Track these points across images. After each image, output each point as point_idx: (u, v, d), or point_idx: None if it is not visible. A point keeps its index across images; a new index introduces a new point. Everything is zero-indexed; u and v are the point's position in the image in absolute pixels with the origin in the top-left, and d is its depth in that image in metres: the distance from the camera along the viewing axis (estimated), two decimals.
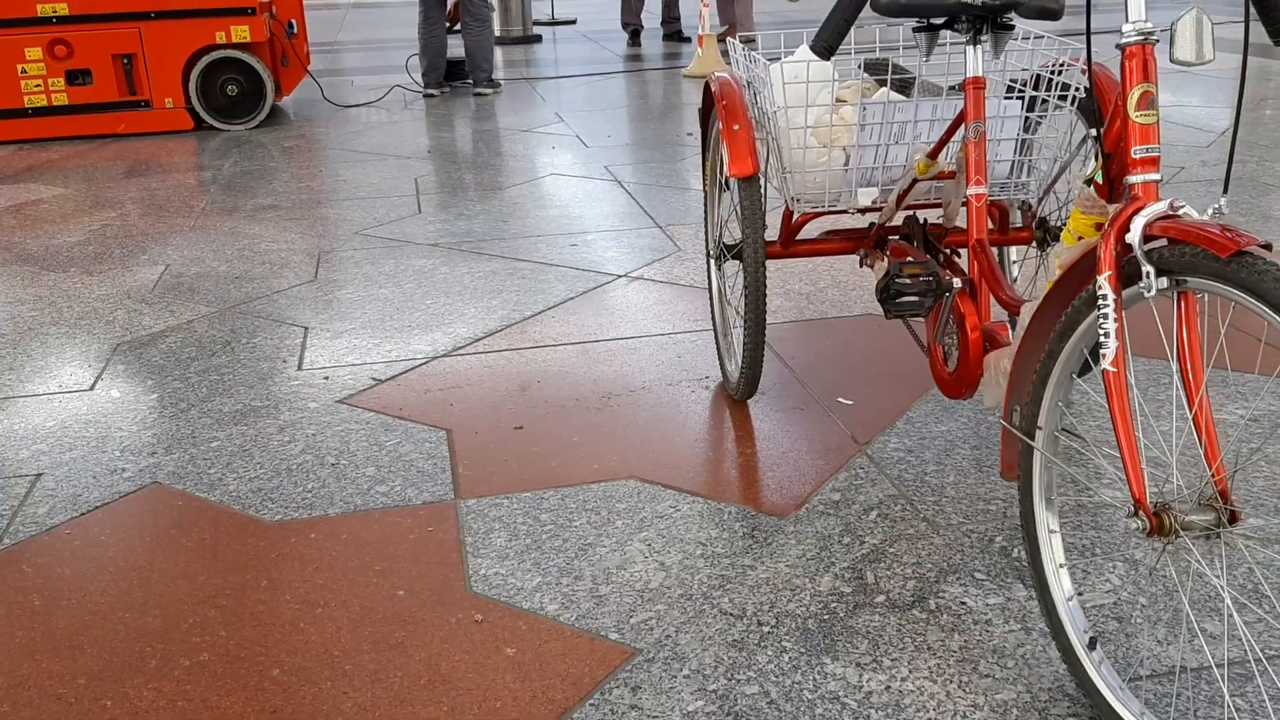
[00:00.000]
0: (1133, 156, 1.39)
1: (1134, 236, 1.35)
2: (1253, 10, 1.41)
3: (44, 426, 2.48)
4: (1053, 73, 2.24)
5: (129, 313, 3.20)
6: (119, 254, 3.77)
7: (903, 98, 2.28)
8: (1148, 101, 1.39)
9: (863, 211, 2.31)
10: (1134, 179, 1.39)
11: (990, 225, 2.44)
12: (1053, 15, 1.97)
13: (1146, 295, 1.35)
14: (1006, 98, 2.30)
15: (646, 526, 2.01)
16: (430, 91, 6.75)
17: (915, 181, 2.15)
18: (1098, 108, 2.11)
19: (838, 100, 2.37)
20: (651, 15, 9.26)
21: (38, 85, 5.61)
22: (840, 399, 2.50)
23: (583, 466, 2.24)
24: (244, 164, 5.12)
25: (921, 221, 2.32)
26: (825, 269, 3.35)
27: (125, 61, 5.70)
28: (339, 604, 1.82)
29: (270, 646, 1.72)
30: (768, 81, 2.27)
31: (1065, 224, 1.62)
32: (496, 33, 9.14)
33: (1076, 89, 2.20)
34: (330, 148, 5.42)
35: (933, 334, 2.06)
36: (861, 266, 2.40)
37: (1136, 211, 1.36)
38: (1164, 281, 1.34)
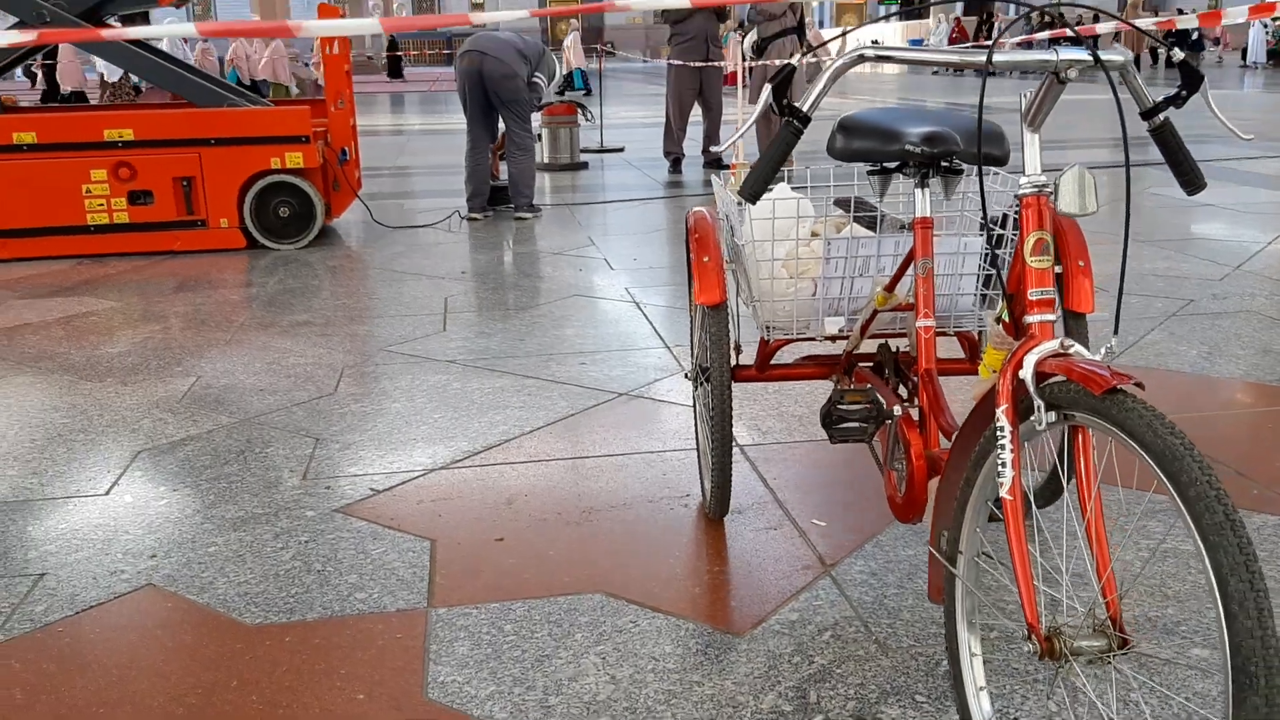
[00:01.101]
0: (1029, 299, 1.49)
1: (1026, 373, 1.44)
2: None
3: (55, 529, 2.63)
4: (1017, 212, 2.35)
5: (154, 421, 3.37)
6: (155, 365, 3.98)
7: (868, 232, 2.40)
8: (1041, 248, 1.50)
9: (831, 339, 2.42)
10: (1030, 319, 1.49)
11: (962, 354, 2.53)
12: (995, 162, 2.09)
13: (1038, 428, 1.43)
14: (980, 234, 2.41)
15: (605, 640, 2.08)
16: (474, 215, 7.05)
17: (876, 312, 2.25)
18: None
19: (813, 234, 2.49)
20: (694, 143, 9.58)
21: (101, 204, 5.97)
22: (815, 520, 2.56)
23: (554, 579, 2.31)
24: (288, 281, 5.37)
25: (893, 350, 2.42)
26: (822, 392, 3.43)
27: (185, 184, 6.05)
28: (300, 706, 1.90)
29: None
30: (740, 217, 2.40)
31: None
32: (545, 159, 9.51)
33: None
34: (373, 267, 5.67)
35: (885, 459, 2.13)
36: None
37: (1030, 349, 1.45)
38: (1053, 415, 1.42)
